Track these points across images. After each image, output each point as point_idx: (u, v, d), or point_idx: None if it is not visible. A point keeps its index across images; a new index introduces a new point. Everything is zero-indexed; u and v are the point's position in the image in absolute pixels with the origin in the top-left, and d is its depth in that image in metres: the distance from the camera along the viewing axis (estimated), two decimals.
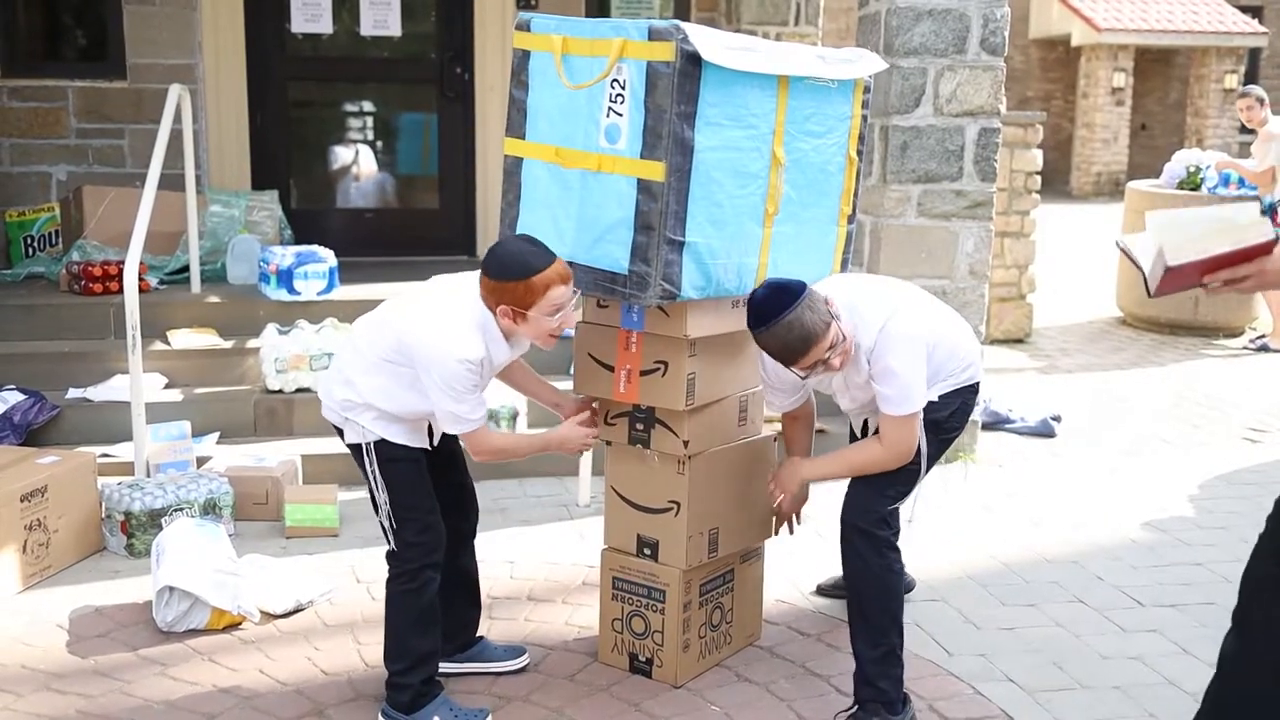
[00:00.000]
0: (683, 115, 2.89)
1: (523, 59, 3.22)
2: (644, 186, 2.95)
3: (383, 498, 3.12)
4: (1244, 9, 23.54)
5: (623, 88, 2.95)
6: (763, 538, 3.70)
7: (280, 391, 5.37)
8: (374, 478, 3.12)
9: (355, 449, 3.15)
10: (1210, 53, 22.51)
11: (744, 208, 3.09)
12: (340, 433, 3.20)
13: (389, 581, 3.20)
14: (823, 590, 4.14)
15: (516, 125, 3.25)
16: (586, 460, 4.93)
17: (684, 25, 2.88)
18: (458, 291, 3.03)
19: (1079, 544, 4.67)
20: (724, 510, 3.48)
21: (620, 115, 2.97)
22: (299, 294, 5.84)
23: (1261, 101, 8.33)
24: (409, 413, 3.07)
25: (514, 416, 5.28)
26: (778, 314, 2.94)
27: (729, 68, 2.92)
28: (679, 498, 3.36)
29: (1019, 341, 8.46)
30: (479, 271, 2.99)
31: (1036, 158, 8.02)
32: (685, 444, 3.31)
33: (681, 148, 2.91)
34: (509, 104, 3.26)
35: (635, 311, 3.24)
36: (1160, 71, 24.22)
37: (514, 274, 2.89)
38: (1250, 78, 23.11)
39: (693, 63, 2.87)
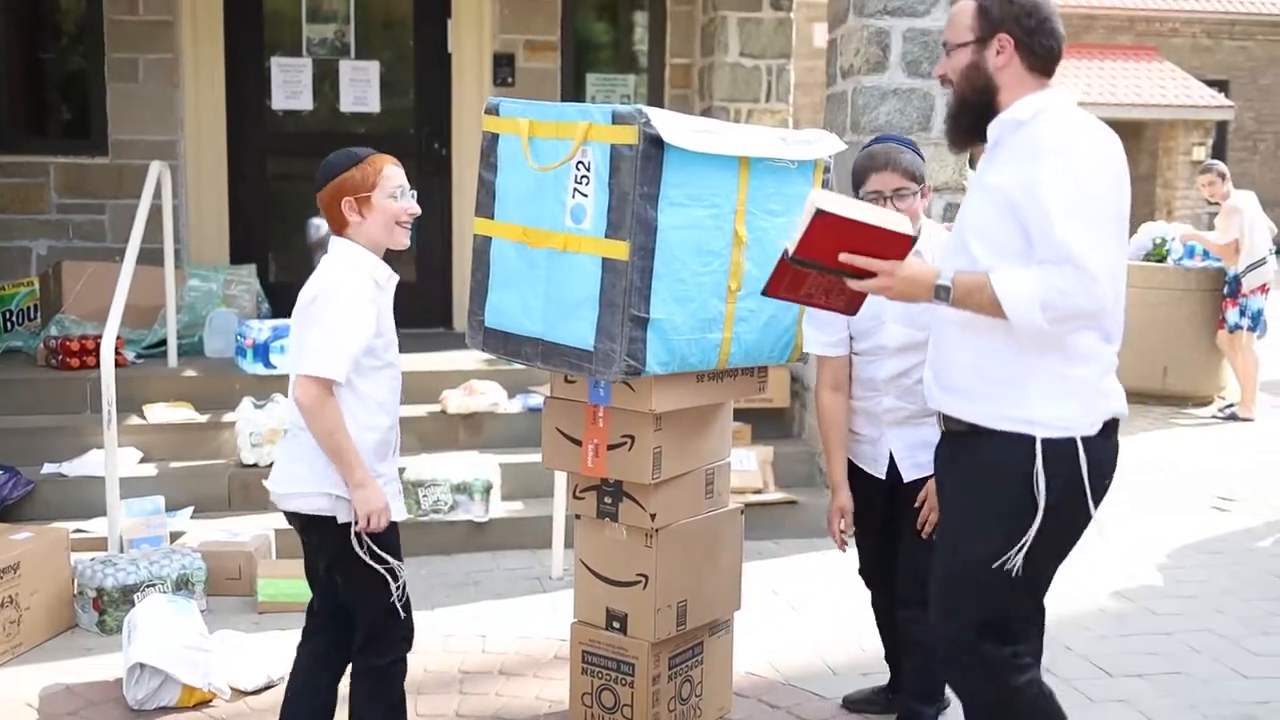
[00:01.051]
0: (646, 196, 2.97)
1: (491, 141, 3.31)
2: (609, 265, 3.02)
3: (381, 582, 2.95)
4: (1210, 83, 24.06)
5: (587, 169, 3.04)
6: (731, 610, 3.73)
7: (255, 465, 5.39)
8: (369, 559, 2.93)
9: (342, 537, 2.93)
10: (1178, 126, 22.96)
11: (707, 284, 3.16)
12: (309, 525, 3.01)
13: (362, 677, 3.06)
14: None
15: (485, 206, 3.33)
16: (559, 532, 4.96)
17: (646, 109, 2.98)
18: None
19: (1047, 613, 4.69)
20: (692, 583, 3.51)
21: (585, 196, 3.05)
22: (275, 367, 5.88)
23: (1223, 176, 8.52)
24: (374, 422, 2.96)
25: (487, 490, 5.31)
26: (900, 140, 3.41)
27: (691, 150, 3.01)
28: (647, 571, 3.40)
29: None
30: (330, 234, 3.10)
31: None
32: (652, 517, 3.35)
33: (645, 227, 2.99)
34: (478, 185, 3.35)
35: (602, 387, 3.30)
36: (1130, 144, 24.52)
37: (345, 162, 3.00)
38: (1218, 150, 23.57)
39: (655, 145, 2.96)
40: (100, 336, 5.00)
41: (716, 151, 3.09)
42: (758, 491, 5.50)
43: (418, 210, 3.08)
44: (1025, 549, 2.55)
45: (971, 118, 2.66)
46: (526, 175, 3.21)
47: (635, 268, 3.00)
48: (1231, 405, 8.48)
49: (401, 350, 3.15)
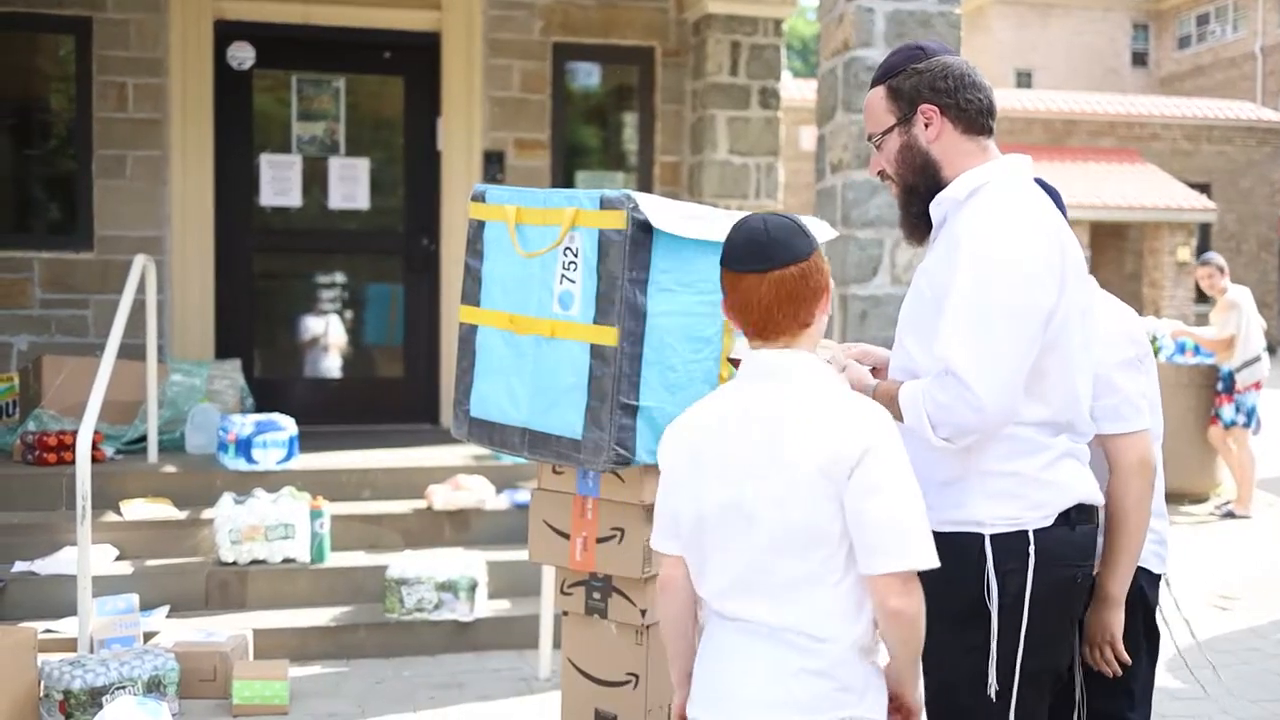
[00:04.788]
0: (635, 281, 2.91)
1: (477, 229, 3.26)
2: (597, 352, 2.95)
3: None
4: (1192, 185, 24.43)
5: (575, 255, 2.98)
6: None
7: (234, 563, 5.25)
8: None
9: None
10: (1163, 227, 23.25)
11: (698, 372, 3.09)
12: None
13: None
14: None
15: (471, 293, 3.27)
16: (547, 632, 4.81)
17: (635, 194, 2.93)
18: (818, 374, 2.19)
19: None
20: None
21: (573, 282, 2.99)
22: (257, 463, 5.77)
23: (1221, 270, 8.46)
24: None
25: (473, 588, 5.16)
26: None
27: (680, 235, 2.96)
28: (637, 670, 3.26)
29: None
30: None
31: None
32: (643, 613, 3.22)
33: (634, 313, 2.92)
34: (464, 272, 3.29)
35: (591, 477, 3.20)
36: (1116, 244, 24.94)
37: (813, 243, 2.20)
38: (1202, 251, 23.83)
39: (644, 230, 2.91)
40: (77, 431, 4.90)
41: (705, 237, 3.03)
42: None
43: None
44: (995, 662, 2.30)
45: (921, 204, 2.47)
46: (513, 262, 3.15)
47: (624, 354, 2.92)
48: (1228, 503, 8.38)
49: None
